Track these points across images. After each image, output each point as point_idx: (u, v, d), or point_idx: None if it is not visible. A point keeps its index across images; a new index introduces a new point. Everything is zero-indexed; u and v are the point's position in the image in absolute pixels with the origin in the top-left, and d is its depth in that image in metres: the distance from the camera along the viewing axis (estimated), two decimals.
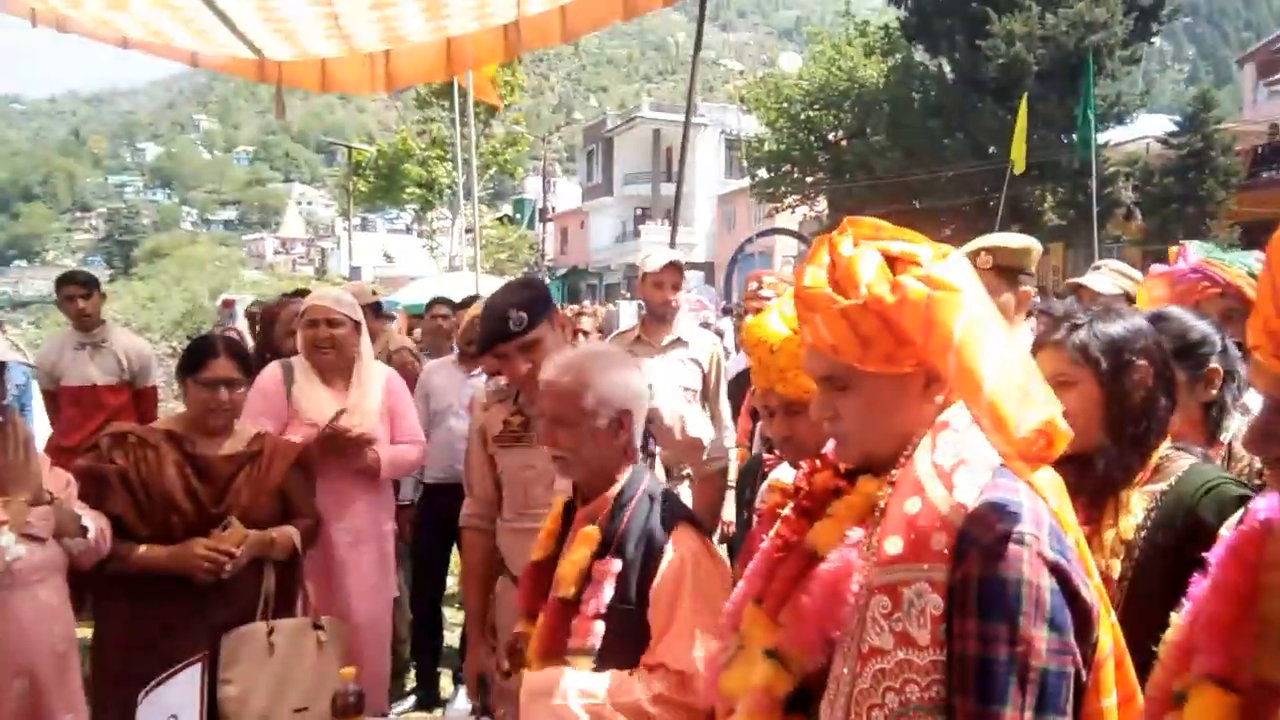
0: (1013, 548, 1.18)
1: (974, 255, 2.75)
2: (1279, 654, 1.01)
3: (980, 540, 1.19)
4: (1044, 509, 1.24)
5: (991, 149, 20.17)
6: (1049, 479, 1.30)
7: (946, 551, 1.20)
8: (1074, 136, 17.78)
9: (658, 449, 3.03)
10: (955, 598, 1.19)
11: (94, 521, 2.60)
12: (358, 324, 3.60)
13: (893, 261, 1.33)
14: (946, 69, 23.16)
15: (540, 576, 2.18)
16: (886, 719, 1.21)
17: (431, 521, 4.54)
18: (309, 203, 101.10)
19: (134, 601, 2.74)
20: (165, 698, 2.01)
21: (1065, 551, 1.21)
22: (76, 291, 5.30)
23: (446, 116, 24.53)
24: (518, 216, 37.36)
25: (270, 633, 2.74)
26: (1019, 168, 15.56)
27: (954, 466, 1.26)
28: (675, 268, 4.21)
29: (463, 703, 4.36)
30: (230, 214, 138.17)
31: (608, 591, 1.98)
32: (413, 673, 4.81)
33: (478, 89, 11.57)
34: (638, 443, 2.21)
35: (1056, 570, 1.19)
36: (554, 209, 37.76)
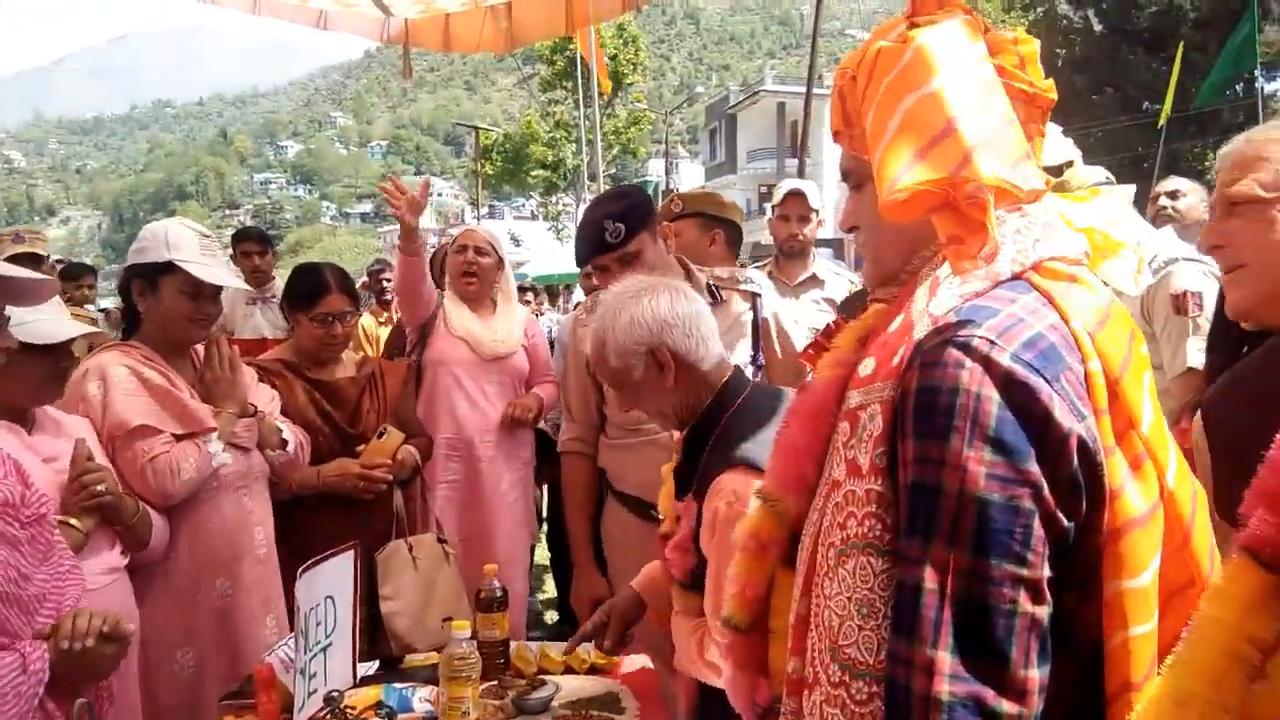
0: (951, 352, 0.93)
1: None
2: None
3: (924, 347, 0.96)
4: (1041, 321, 0.96)
5: (1145, 104, 19.04)
6: (1097, 303, 1.01)
7: (899, 365, 0.99)
8: (1235, 84, 16.47)
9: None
10: (897, 416, 0.97)
11: (294, 435, 2.69)
12: (501, 260, 3.72)
13: None
14: (1094, 21, 21.89)
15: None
16: (836, 560, 1.01)
17: None
18: (439, 194, 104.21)
19: (287, 523, 2.77)
20: (320, 577, 2.05)
21: (1045, 367, 0.93)
22: (252, 248, 5.42)
23: (570, 99, 24.66)
24: None
25: (410, 549, 2.81)
26: (1163, 118, 14.54)
27: (948, 276, 1.02)
28: (796, 196, 3.97)
29: None
30: (366, 207, 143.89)
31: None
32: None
33: (601, 76, 11.51)
34: (702, 352, 1.92)
35: (1011, 381, 0.91)
36: (677, 189, 37.48)
